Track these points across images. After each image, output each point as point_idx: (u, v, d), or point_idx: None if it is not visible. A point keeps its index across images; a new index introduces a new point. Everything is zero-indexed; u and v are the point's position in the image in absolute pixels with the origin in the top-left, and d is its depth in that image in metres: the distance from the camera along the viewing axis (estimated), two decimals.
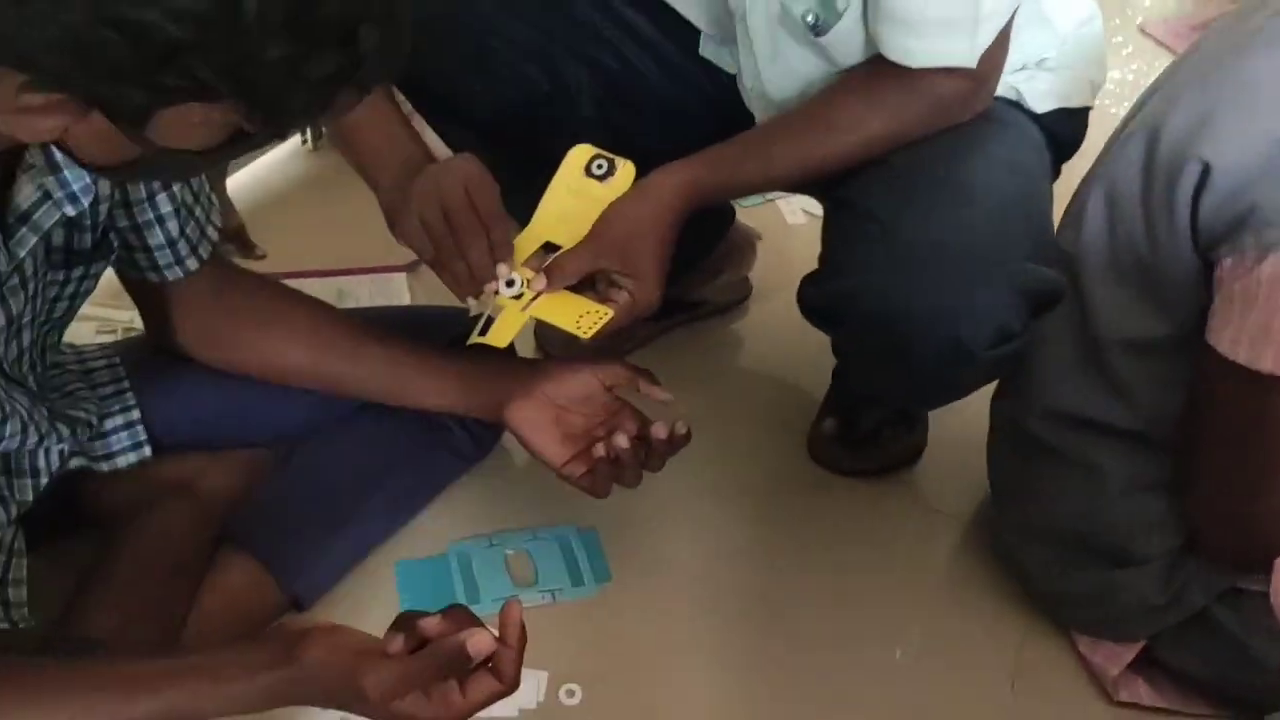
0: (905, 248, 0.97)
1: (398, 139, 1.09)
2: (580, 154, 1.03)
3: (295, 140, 1.79)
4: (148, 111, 0.64)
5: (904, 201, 1.00)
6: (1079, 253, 1.04)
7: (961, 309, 0.95)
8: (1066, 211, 1.11)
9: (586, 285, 1.03)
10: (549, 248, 1.03)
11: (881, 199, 1.01)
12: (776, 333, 1.57)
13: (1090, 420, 1.05)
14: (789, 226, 1.74)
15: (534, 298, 1.01)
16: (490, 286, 1.01)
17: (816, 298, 1.06)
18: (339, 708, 0.80)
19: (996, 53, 1.03)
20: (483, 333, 1.01)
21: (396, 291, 1.56)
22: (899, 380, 1.07)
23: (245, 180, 1.71)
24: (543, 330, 1.46)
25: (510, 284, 1.00)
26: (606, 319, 0.99)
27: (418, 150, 1.10)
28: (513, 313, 1.00)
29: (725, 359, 1.52)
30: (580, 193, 1.03)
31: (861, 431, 1.34)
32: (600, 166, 1.03)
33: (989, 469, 1.21)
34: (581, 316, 0.99)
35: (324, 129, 1.36)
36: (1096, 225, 1.03)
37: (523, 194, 1.35)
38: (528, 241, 1.03)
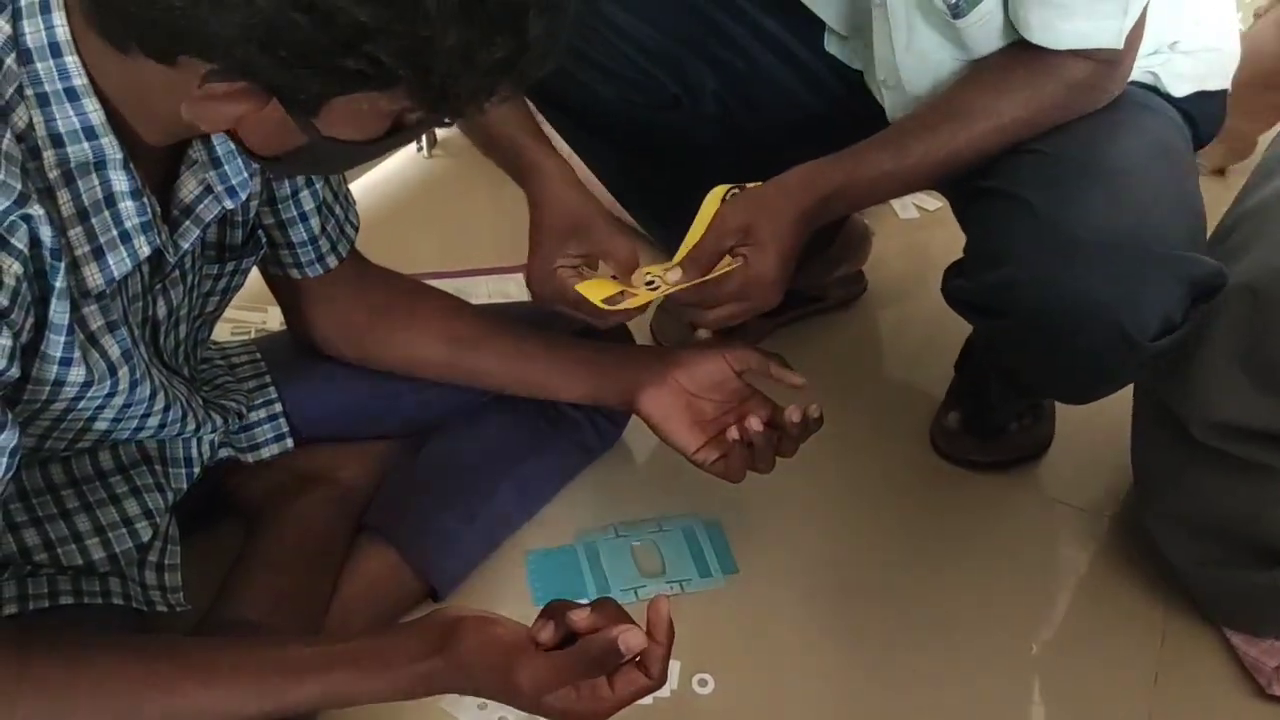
0: (1068, 235, 0.94)
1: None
2: (716, 193, 1.04)
3: (411, 148, 1.84)
4: (323, 99, 0.66)
5: (1060, 187, 0.97)
6: (1265, 270, 1.00)
7: (1129, 299, 0.93)
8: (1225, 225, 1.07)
9: None
10: None
11: (1035, 185, 0.98)
12: (894, 325, 1.57)
13: (1264, 432, 1.01)
14: (902, 221, 1.74)
15: (668, 291, 1.01)
16: (639, 278, 1.02)
17: (967, 289, 1.04)
18: (490, 697, 0.80)
19: (1134, 35, 1.01)
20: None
21: (513, 290, 1.59)
22: (1056, 372, 1.04)
23: (364, 185, 1.75)
24: (659, 324, 1.48)
25: (650, 284, 1.01)
26: (733, 265, 0.99)
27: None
28: (644, 298, 1.00)
29: (843, 353, 1.52)
30: None
31: (988, 424, 1.32)
32: (733, 196, 1.03)
33: (1134, 455, 1.18)
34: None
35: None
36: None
37: (643, 191, 1.37)
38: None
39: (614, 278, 1.04)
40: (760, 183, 1.04)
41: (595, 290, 1.00)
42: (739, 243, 1.00)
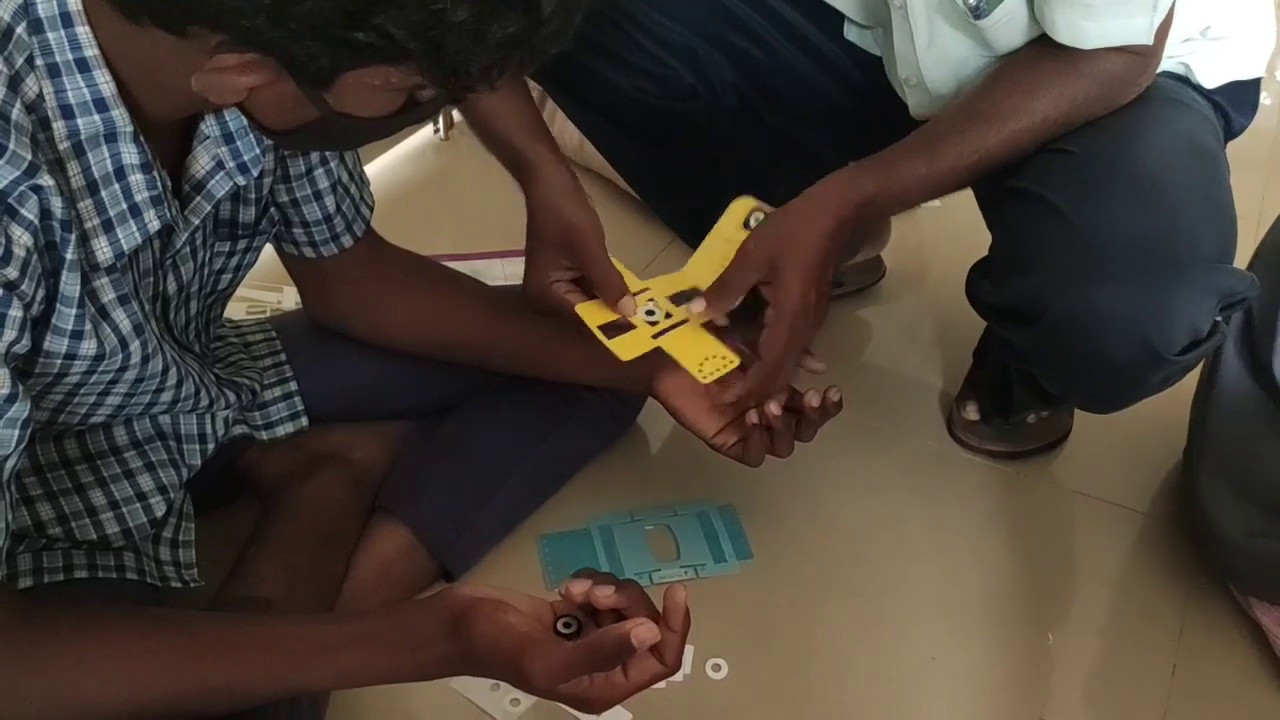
0: (1097, 244, 0.93)
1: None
2: (741, 206, 1.01)
3: (428, 130, 1.84)
4: (334, 72, 0.65)
5: (1090, 192, 0.95)
6: None
7: (1156, 313, 0.92)
8: None
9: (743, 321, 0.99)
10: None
11: (1064, 189, 0.97)
12: (913, 312, 1.55)
13: None
14: (922, 208, 1.72)
15: (669, 328, 0.97)
16: (627, 307, 0.96)
17: (992, 293, 1.02)
18: (502, 681, 0.80)
19: (1164, 26, 0.99)
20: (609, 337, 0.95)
21: None
22: (1078, 381, 1.03)
23: (380, 166, 1.75)
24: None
25: (650, 314, 0.97)
26: (729, 368, 0.95)
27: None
28: (643, 334, 0.96)
29: (861, 338, 1.51)
30: (735, 243, 0.99)
31: (1006, 414, 1.31)
32: (758, 219, 1.00)
33: (1193, 413, 1.15)
34: (706, 360, 0.95)
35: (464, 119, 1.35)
36: None
37: (661, 182, 1.36)
38: (676, 282, 1.01)
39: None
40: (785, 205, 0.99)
41: (594, 315, 0.96)
42: (764, 279, 0.96)
